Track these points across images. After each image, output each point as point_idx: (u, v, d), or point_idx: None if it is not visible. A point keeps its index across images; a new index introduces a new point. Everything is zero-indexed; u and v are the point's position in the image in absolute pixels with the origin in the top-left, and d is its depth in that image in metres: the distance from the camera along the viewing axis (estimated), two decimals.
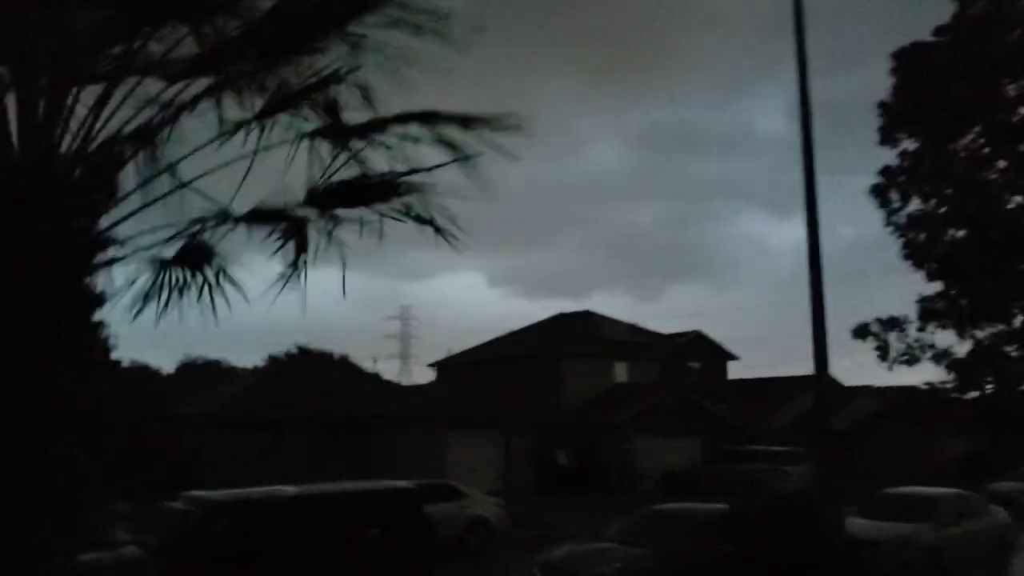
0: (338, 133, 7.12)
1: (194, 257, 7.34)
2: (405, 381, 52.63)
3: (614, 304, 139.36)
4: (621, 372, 43.14)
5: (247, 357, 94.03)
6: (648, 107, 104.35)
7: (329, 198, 7.16)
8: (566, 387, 40.86)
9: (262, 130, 7.01)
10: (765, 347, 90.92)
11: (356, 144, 7.13)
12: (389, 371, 62.36)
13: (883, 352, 26.03)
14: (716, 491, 26.20)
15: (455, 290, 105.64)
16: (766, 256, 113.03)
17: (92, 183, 6.78)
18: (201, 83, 6.86)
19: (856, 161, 76.69)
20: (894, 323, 25.89)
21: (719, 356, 48.62)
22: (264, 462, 29.01)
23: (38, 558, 6.19)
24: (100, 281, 6.89)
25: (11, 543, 6.11)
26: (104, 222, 6.86)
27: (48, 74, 6.46)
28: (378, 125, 7.07)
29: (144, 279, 7.26)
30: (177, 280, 7.33)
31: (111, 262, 6.97)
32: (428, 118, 7.00)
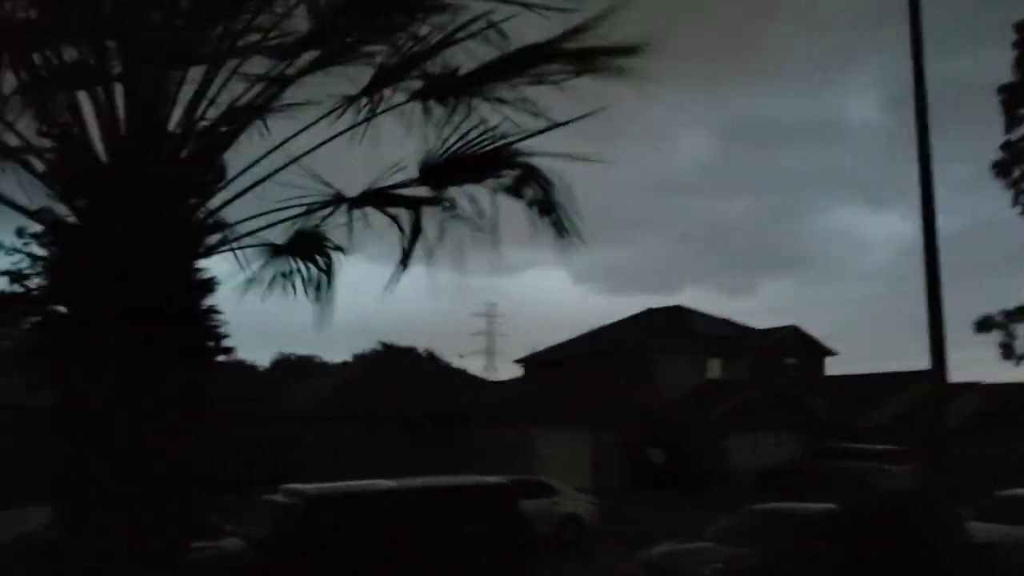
0: (453, 86, 6.73)
1: (306, 246, 7.16)
2: (490, 377, 52.73)
3: (703, 300, 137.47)
4: (714, 368, 42.42)
5: (333, 353, 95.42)
6: (736, 97, 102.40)
7: (443, 173, 6.83)
8: (658, 383, 40.30)
9: (375, 100, 6.73)
10: (862, 342, 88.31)
11: (472, 101, 6.74)
12: (474, 368, 62.72)
13: (1008, 346, 24.73)
14: (816, 490, 25.47)
15: (539, 287, 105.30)
16: (861, 249, 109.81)
17: (199, 164, 6.68)
18: (306, 59, 6.65)
19: (947, 151, 73.66)
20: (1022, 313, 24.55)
21: (816, 351, 47.36)
22: (356, 456, 29.31)
23: (150, 551, 6.12)
24: (209, 266, 6.79)
25: (123, 535, 6.05)
26: (212, 205, 6.74)
27: (154, 55, 6.37)
28: (496, 70, 6.62)
29: (253, 266, 7.15)
30: (287, 270, 7.20)
31: (220, 245, 6.86)
32: (549, 55, 6.53)
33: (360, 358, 63.33)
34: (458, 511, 12.79)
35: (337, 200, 7.01)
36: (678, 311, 46.58)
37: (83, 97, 6.43)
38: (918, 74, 12.28)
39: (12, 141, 6.55)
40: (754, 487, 33.70)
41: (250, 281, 7.18)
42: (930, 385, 13.04)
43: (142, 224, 6.26)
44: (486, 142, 6.79)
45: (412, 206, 7.06)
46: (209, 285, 6.70)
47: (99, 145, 6.45)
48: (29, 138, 6.56)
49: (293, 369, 59.50)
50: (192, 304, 6.57)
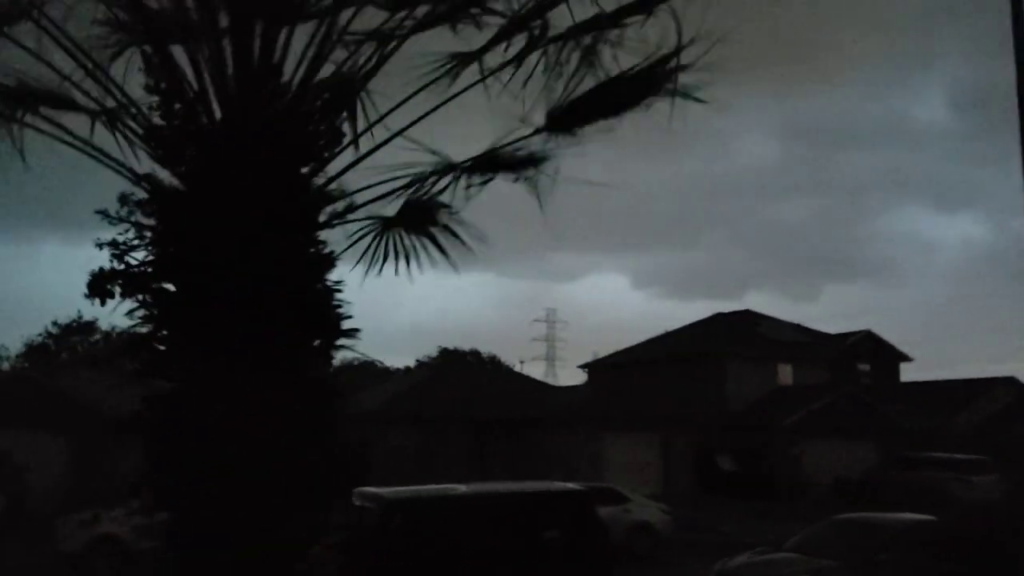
0: (591, 26, 6.13)
1: (419, 216, 6.63)
2: (554, 383, 52.42)
3: (766, 304, 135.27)
4: (786, 374, 41.51)
5: (394, 359, 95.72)
6: (800, 98, 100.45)
7: (575, 113, 6.21)
8: (728, 389, 39.57)
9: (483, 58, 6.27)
10: (936, 347, 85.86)
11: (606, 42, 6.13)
12: (535, 373, 62.45)
13: None
14: (894, 499, 24.68)
15: (599, 292, 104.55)
16: (930, 253, 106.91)
17: (314, 127, 6.26)
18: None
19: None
20: None
21: (891, 357, 46.09)
22: (424, 460, 29.25)
23: (271, 556, 5.77)
24: (329, 238, 6.28)
25: (240, 537, 5.69)
26: (328, 172, 6.26)
27: (261, 8, 5.97)
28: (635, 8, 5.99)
29: (367, 239, 6.62)
30: (400, 243, 6.67)
31: (340, 216, 6.38)
32: None
33: (423, 364, 63.64)
34: (536, 517, 12.53)
35: (448, 168, 6.49)
36: (747, 315, 45.74)
37: (188, 53, 6.05)
38: (1021, 70, 11.64)
39: (113, 101, 6.17)
40: (829, 496, 32.89)
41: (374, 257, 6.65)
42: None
43: (256, 190, 5.77)
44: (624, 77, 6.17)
45: (529, 165, 6.47)
46: (329, 260, 6.22)
47: (208, 104, 6.04)
48: (133, 97, 6.17)
49: (356, 374, 59.91)
50: (312, 280, 6.08)
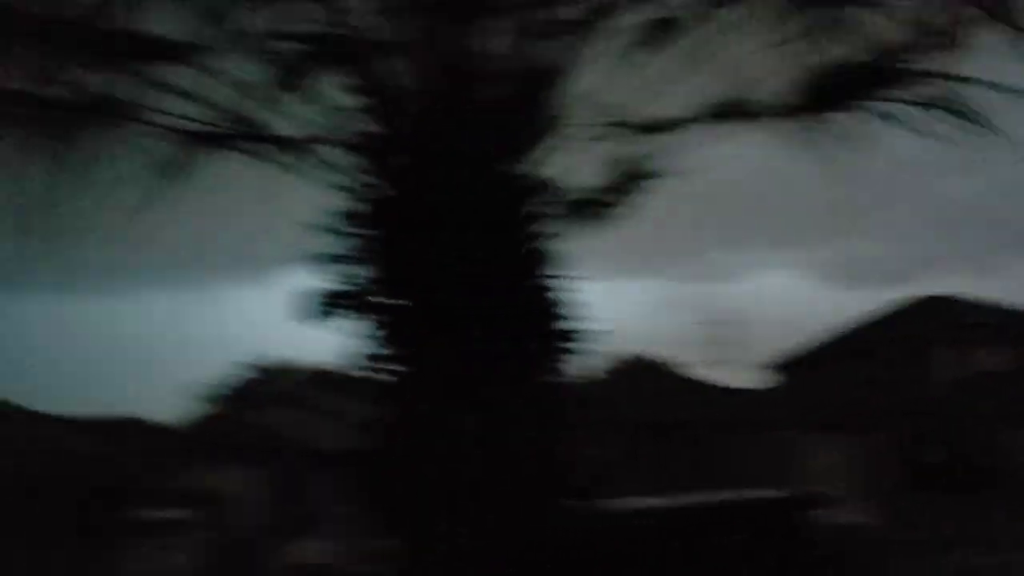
0: None
1: (612, 198, 6.39)
2: (736, 384, 50.97)
3: (955, 285, 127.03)
4: (988, 357, 38.97)
5: None
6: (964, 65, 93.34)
7: (832, 88, 5.82)
8: (926, 377, 37.53)
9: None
10: None
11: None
12: (711, 377, 60.21)
13: None
14: None
15: (768, 287, 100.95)
16: None
17: (512, 120, 5.92)
18: None
19: None
20: None
21: None
22: (613, 469, 29.01)
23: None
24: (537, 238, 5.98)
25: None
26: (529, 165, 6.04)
27: (459, 17, 5.80)
28: None
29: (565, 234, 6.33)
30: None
31: (546, 214, 6.07)
32: None
33: (595, 368, 63.20)
34: (740, 529, 12.09)
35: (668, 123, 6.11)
36: (942, 299, 43.19)
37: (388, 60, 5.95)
38: None
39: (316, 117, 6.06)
40: None
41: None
42: None
43: (470, 190, 5.52)
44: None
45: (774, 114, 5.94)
46: (563, 258, 5.94)
47: (413, 106, 5.89)
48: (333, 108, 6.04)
49: None
50: (542, 280, 5.79)
